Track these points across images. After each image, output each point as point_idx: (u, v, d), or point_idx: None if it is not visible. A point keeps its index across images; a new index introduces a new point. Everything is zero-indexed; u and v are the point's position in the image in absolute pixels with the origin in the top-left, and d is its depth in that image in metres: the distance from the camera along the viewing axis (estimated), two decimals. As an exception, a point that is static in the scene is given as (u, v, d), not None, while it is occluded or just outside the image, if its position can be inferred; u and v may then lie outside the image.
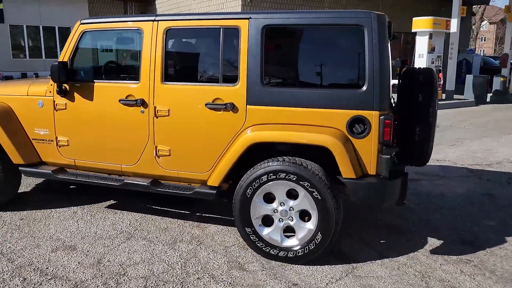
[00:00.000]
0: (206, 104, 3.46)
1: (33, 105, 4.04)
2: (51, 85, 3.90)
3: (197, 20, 3.53)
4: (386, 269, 3.35)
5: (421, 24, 13.40)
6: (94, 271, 3.21)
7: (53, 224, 4.04)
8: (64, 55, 3.85)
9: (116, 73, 4.28)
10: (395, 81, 3.77)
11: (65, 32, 18.53)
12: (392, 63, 4.08)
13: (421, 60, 13.46)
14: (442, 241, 3.85)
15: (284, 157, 3.30)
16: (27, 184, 5.18)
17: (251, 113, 3.38)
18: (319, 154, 3.28)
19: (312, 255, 3.31)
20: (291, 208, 3.33)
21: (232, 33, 3.41)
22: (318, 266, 3.35)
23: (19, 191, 4.63)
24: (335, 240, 3.34)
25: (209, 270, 3.27)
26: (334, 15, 3.25)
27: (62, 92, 3.84)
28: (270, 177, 3.28)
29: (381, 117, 3.12)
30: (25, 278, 3.11)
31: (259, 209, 3.39)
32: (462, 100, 14.45)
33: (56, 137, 4.01)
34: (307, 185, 3.20)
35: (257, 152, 3.50)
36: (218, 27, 3.45)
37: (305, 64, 3.47)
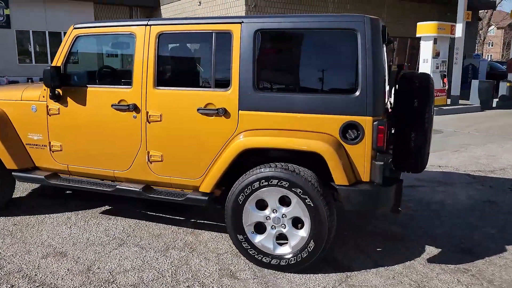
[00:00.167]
0: (198, 109, 3.42)
1: (27, 110, 4.02)
2: (45, 89, 3.88)
3: (189, 24, 3.50)
4: (381, 278, 3.27)
5: (425, 29, 13.31)
6: (83, 279, 3.17)
7: (46, 230, 4.01)
8: (58, 60, 3.83)
9: (109, 78, 4.26)
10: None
11: (70, 38, 18.58)
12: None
13: (425, 65, 13.36)
14: (440, 249, 3.77)
15: (277, 163, 3.24)
16: (23, 189, 5.16)
17: (243, 119, 3.33)
18: (313, 160, 3.22)
19: (305, 263, 3.24)
20: (283, 215, 3.27)
21: (225, 38, 3.37)
22: (311, 275, 3.28)
23: (15, 196, 4.62)
24: (328, 248, 3.27)
25: (199, 278, 3.21)
26: (327, 19, 3.20)
27: (55, 97, 3.82)
28: (262, 183, 3.22)
29: (374, 123, 3.06)
30: (12, 285, 3.07)
31: (251, 216, 3.33)
32: (467, 106, 14.31)
33: (50, 142, 3.99)
34: (300, 192, 3.14)
35: (252, 158, 3.45)
36: (210, 31, 3.41)
37: (298, 69, 3.42)
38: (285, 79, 3.47)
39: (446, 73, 13.88)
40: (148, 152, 3.65)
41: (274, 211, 3.29)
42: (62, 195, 5.00)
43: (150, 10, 20.70)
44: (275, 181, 3.18)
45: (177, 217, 4.34)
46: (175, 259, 3.49)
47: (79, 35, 3.80)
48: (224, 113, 3.36)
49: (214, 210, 4.28)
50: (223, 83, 3.40)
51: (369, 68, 3.05)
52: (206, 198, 3.49)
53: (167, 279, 3.19)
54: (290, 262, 3.27)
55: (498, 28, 55.10)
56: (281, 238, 3.37)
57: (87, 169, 3.92)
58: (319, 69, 3.34)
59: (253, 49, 3.28)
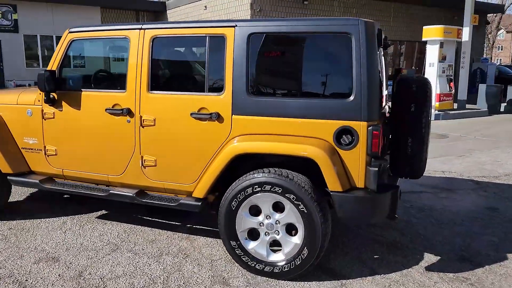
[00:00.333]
0: (191, 114, 3.38)
1: (23, 114, 4.01)
2: (40, 94, 3.87)
3: (183, 28, 3.46)
4: (376, 286, 3.20)
5: (431, 32, 13.19)
6: (73, 284, 3.14)
7: (40, 234, 3.99)
8: (53, 64, 3.82)
9: (104, 82, 4.24)
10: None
11: (77, 42, 18.71)
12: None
13: (431, 69, 13.23)
14: (439, 257, 3.68)
15: (270, 169, 3.19)
16: (21, 193, 5.16)
17: (237, 123, 3.29)
18: (309, 166, 3.17)
19: (298, 271, 3.18)
20: (277, 222, 3.22)
21: (218, 41, 3.34)
22: (305, 282, 3.22)
23: (13, 200, 4.61)
24: (322, 256, 3.21)
25: (191, 285, 3.17)
26: (321, 23, 3.15)
27: (50, 101, 3.81)
28: (255, 189, 3.17)
29: (369, 128, 3.00)
30: (2, 291, 3.05)
31: (244, 222, 3.28)
32: (475, 110, 14.15)
33: (45, 146, 3.97)
34: (293, 198, 3.08)
35: (247, 163, 3.40)
36: (204, 35, 3.38)
37: (292, 73, 3.37)
38: (279, 83, 3.43)
39: (452, 77, 13.75)
40: (142, 157, 3.61)
41: (268, 217, 3.24)
42: (60, 199, 4.98)
43: (156, 15, 20.81)
44: (268, 187, 3.13)
45: (174, 222, 4.30)
46: (167, 265, 3.45)
47: (74, 39, 3.79)
48: (218, 117, 3.32)
49: (210, 215, 4.24)
50: (217, 87, 3.37)
51: (363, 72, 2.99)
52: (199, 203, 3.44)
53: (158, 286, 3.15)
54: (284, 269, 3.21)
55: (507, 32, 54.62)
56: (275, 245, 3.31)
57: (82, 174, 3.90)
58: (313, 73, 3.29)
59: (246, 53, 3.24)
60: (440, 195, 5.38)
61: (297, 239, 3.18)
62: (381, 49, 3.64)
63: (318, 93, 3.27)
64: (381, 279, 3.30)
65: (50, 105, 3.85)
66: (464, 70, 14.55)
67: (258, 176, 3.17)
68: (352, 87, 3.03)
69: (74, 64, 4.19)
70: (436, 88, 13.08)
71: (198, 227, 4.21)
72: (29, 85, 15.27)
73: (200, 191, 3.43)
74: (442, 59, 13.45)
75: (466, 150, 8.27)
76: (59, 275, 3.27)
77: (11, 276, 3.24)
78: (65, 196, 5.07)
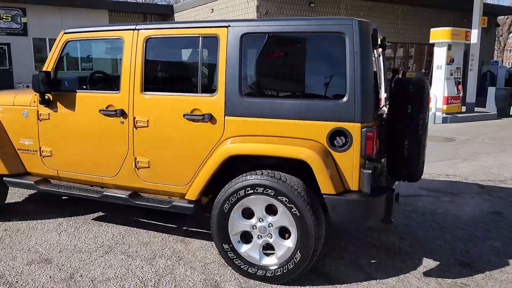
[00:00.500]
0: (184, 115, 3.34)
1: (19, 115, 4.01)
2: (36, 95, 3.86)
3: (177, 28, 3.43)
4: (371, 292, 3.13)
5: (439, 35, 13.04)
6: (63, 286, 3.10)
7: (35, 236, 3.97)
8: (48, 65, 3.81)
9: (98, 83, 4.23)
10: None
11: (86, 45, 18.86)
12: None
13: (439, 72, 13.07)
14: (438, 263, 3.59)
15: (263, 171, 3.14)
16: (19, 194, 5.16)
17: (229, 125, 3.24)
18: (303, 168, 3.10)
19: (291, 275, 3.11)
20: (270, 225, 3.16)
21: (211, 42, 3.30)
22: (298, 287, 3.15)
23: (11, 201, 4.61)
24: (315, 260, 3.15)
25: (182, 289, 3.12)
26: (314, 23, 3.09)
27: (45, 102, 3.80)
28: (248, 191, 3.12)
29: (363, 130, 2.93)
30: (-8, 292, 3.03)
31: (237, 225, 3.23)
32: (483, 113, 13.94)
33: (40, 148, 3.96)
34: (285, 200, 3.02)
35: (241, 165, 3.35)
36: (197, 35, 3.34)
37: (285, 74, 3.32)
38: (272, 84, 3.38)
39: (460, 80, 13.56)
40: (135, 158, 3.58)
41: (261, 220, 3.18)
42: (58, 200, 4.97)
43: (164, 18, 20.90)
44: (260, 189, 3.08)
45: (170, 224, 4.26)
46: (160, 268, 3.40)
47: (70, 40, 3.78)
48: (210, 118, 3.27)
49: (206, 217, 4.20)
50: (210, 88, 3.33)
51: (357, 72, 2.93)
52: (192, 205, 3.40)
53: (148, 289, 3.11)
54: (276, 273, 3.15)
55: (519, 35, 53.86)
56: (269, 248, 3.25)
57: (77, 175, 3.88)
58: (306, 73, 3.23)
59: (239, 54, 3.19)
60: (443, 199, 5.27)
61: (290, 243, 3.11)
62: (380, 50, 3.57)
63: (311, 94, 3.21)
64: (377, 284, 3.22)
65: (45, 106, 3.84)
66: (473, 73, 14.36)
67: (251, 178, 3.12)
68: (345, 88, 2.97)
69: (82, 67, 4.19)
70: (443, 90, 12.93)
71: (194, 229, 4.17)
72: (27, 86, 15.39)
73: (193, 193, 3.38)
74: (450, 61, 13.29)
75: (472, 153, 8.13)
76: (50, 276, 3.24)
77: (1, 277, 3.22)
78: (63, 197, 5.06)
